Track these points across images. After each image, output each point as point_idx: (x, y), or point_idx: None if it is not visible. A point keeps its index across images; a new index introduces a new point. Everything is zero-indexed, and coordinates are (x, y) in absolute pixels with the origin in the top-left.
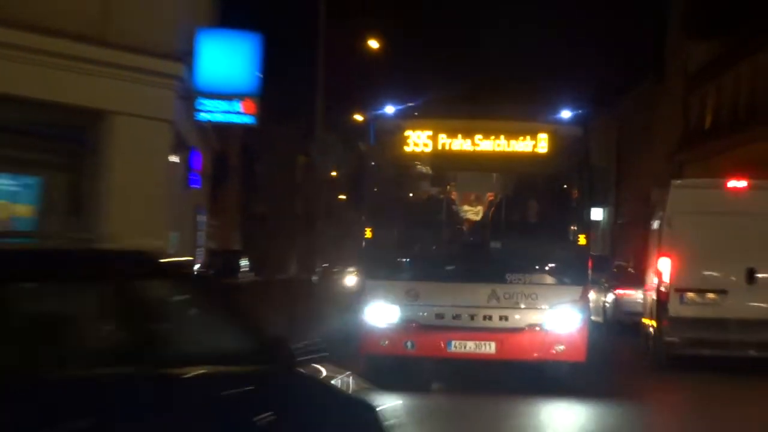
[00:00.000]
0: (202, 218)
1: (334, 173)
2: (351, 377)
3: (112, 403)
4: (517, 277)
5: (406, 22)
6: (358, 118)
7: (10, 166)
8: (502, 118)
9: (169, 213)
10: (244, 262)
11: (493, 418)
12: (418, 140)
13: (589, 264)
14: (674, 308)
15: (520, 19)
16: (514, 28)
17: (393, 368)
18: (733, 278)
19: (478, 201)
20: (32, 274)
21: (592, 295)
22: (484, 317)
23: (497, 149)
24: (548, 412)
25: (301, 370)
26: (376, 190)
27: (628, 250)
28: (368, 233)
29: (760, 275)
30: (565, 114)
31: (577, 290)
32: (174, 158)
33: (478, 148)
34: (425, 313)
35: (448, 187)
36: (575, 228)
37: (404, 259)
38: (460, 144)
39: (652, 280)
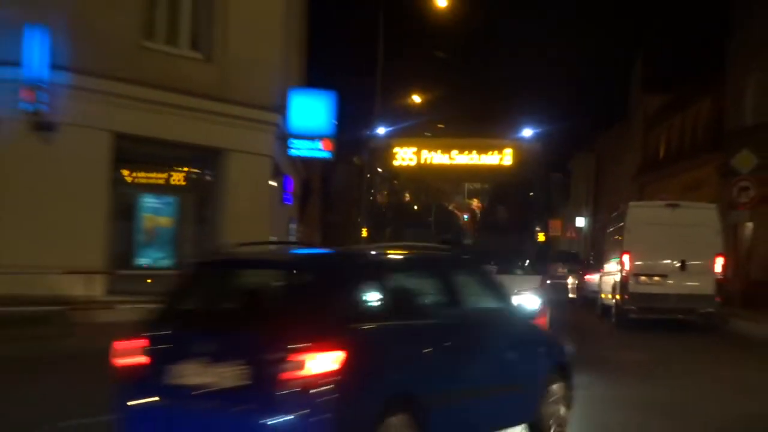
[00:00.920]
0: (293, 226)
1: None
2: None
3: (462, 334)
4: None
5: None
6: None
7: (156, 189)
8: (473, 136)
9: (269, 223)
10: None
11: None
12: (404, 156)
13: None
14: (632, 287)
15: (510, 76)
16: (509, 79)
17: None
18: (672, 266)
19: (454, 205)
20: (405, 265)
21: (570, 279)
22: None
23: (470, 162)
24: None
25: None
26: (369, 197)
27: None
28: (364, 233)
29: (688, 264)
30: (526, 132)
31: (537, 279)
32: (273, 183)
33: (454, 162)
34: None
35: (429, 193)
36: (536, 227)
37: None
38: (439, 158)
39: (616, 268)
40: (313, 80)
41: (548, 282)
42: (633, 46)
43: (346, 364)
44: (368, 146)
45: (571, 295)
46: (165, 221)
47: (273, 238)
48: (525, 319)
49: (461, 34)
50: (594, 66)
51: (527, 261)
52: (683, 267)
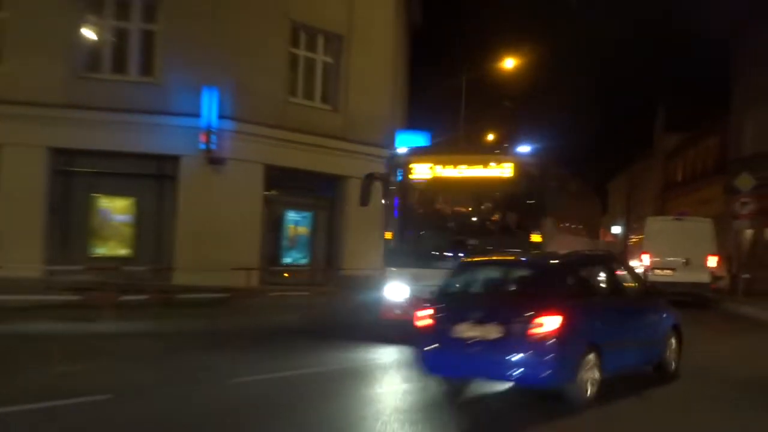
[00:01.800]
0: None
1: None
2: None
3: (621, 305)
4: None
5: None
6: None
7: (296, 206)
8: (479, 153)
9: (381, 233)
10: None
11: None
12: (421, 171)
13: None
14: (650, 278)
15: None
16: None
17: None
18: (678, 263)
19: (463, 211)
20: (584, 262)
21: None
22: None
23: (476, 174)
24: None
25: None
26: (391, 205)
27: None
28: (388, 235)
29: (692, 262)
30: (524, 149)
31: None
32: (384, 202)
33: (462, 174)
34: (423, 291)
35: (441, 201)
36: (531, 229)
37: (411, 253)
38: (449, 172)
39: (638, 264)
40: (412, 122)
41: None
42: (656, 97)
43: (563, 324)
44: (392, 162)
45: None
46: (303, 230)
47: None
48: (653, 293)
49: (525, 88)
50: (628, 112)
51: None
52: (687, 263)
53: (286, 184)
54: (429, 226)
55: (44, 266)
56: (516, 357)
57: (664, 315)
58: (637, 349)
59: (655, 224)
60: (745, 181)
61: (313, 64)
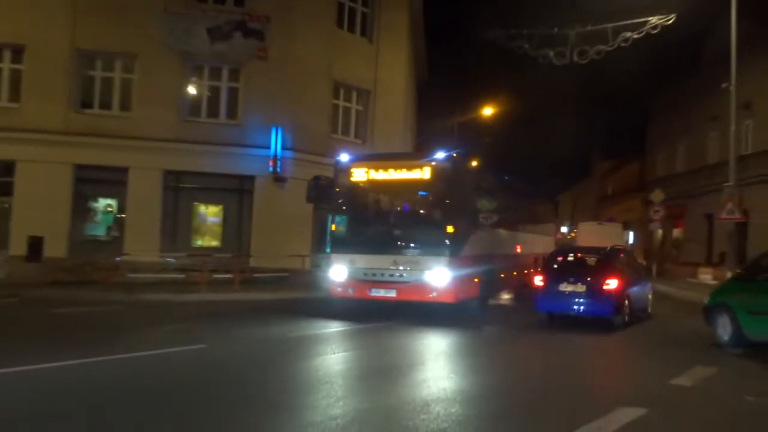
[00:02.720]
0: None
1: None
2: None
3: (640, 279)
4: (409, 251)
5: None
6: None
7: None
8: (402, 158)
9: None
10: None
11: (397, 334)
12: (358, 174)
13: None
14: None
15: (524, 149)
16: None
17: (348, 304)
18: None
19: (390, 207)
20: (622, 251)
21: None
22: (390, 275)
23: (401, 177)
24: (428, 331)
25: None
26: (335, 203)
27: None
28: (332, 227)
29: None
30: (440, 155)
31: (446, 259)
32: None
33: (389, 176)
34: (358, 272)
35: (374, 199)
36: (445, 222)
37: (348, 241)
38: (380, 175)
39: None
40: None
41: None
42: (593, 132)
43: (617, 284)
44: (337, 167)
45: None
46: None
47: None
48: (644, 269)
49: (500, 127)
50: (572, 146)
51: (439, 245)
52: None
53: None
54: (363, 219)
55: (159, 253)
56: (592, 300)
57: (648, 282)
58: (641, 299)
59: (584, 226)
60: (657, 195)
61: (349, 110)
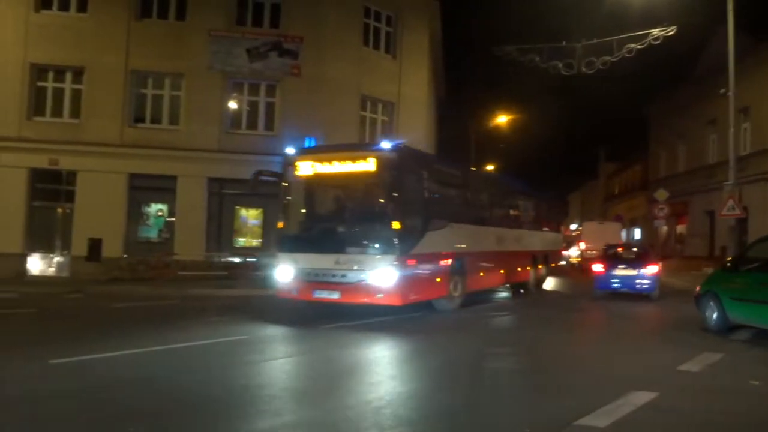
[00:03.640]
0: None
1: None
2: None
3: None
4: (352, 250)
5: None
6: None
7: None
8: (348, 149)
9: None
10: None
11: (339, 335)
12: (303, 167)
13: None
14: (586, 255)
15: (536, 153)
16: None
17: (297, 305)
18: (599, 247)
19: (335, 203)
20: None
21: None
22: (333, 275)
23: (345, 169)
24: (370, 334)
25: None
26: (280, 198)
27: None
28: (279, 225)
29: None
30: (385, 145)
31: (392, 258)
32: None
33: (334, 169)
34: (302, 273)
35: (319, 194)
36: (392, 218)
37: (294, 239)
38: (326, 168)
39: (578, 247)
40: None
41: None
42: (600, 138)
43: (658, 269)
44: (283, 161)
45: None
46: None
47: None
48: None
49: (514, 134)
50: (581, 150)
51: (385, 243)
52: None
53: None
54: (309, 216)
55: (205, 252)
56: (640, 281)
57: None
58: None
59: (588, 225)
60: (661, 194)
61: (375, 121)
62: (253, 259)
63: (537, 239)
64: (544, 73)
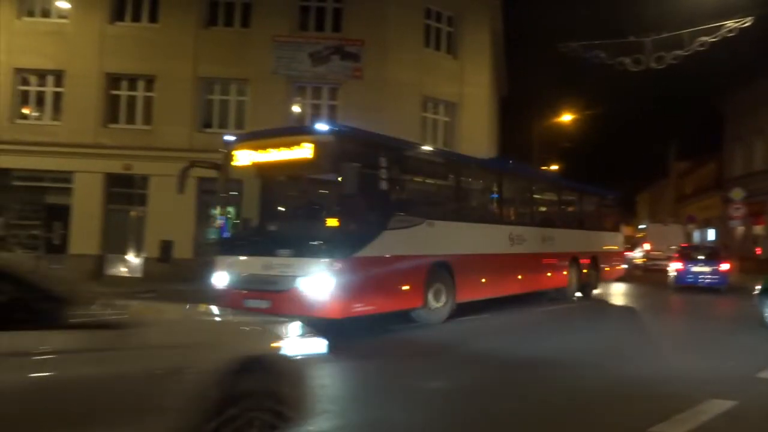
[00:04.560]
0: None
1: None
2: None
3: None
4: (282, 252)
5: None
6: None
7: None
8: (284, 133)
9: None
10: None
11: None
12: (241, 157)
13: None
14: (650, 256)
15: (604, 152)
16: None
17: None
18: (666, 249)
19: (269, 197)
20: None
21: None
22: (263, 281)
23: (280, 157)
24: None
25: None
26: (217, 193)
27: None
28: (216, 224)
29: (670, 249)
30: (321, 127)
31: (330, 262)
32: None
33: (270, 158)
34: (235, 279)
35: (254, 188)
36: (331, 214)
37: (229, 241)
38: (260, 156)
39: (642, 249)
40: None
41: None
42: (670, 136)
43: (730, 267)
44: (223, 151)
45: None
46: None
47: None
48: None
49: (579, 133)
50: (649, 147)
51: (320, 244)
52: (668, 248)
53: None
54: (244, 213)
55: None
56: (713, 277)
57: None
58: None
59: (652, 227)
60: (737, 193)
61: (437, 122)
62: None
63: (578, 239)
64: (610, 70)
